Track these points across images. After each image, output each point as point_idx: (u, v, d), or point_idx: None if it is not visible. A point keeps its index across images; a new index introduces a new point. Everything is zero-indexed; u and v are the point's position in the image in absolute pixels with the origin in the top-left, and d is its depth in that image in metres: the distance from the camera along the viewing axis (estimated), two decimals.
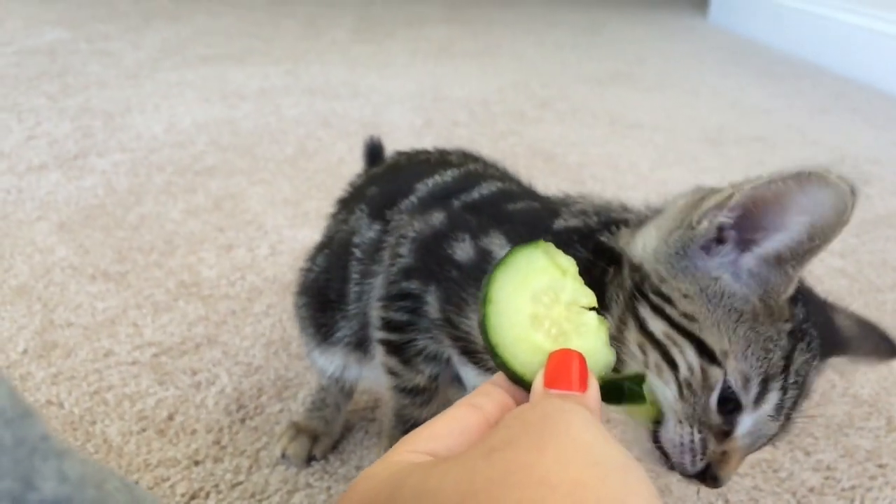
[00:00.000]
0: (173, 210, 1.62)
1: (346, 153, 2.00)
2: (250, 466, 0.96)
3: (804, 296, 0.64)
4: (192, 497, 0.91)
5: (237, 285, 1.35)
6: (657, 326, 0.61)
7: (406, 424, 0.81)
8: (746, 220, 0.60)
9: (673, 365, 0.60)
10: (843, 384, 1.20)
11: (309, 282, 0.94)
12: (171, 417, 1.03)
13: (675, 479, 0.98)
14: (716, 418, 0.60)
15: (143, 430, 1.01)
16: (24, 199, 1.62)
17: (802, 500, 0.97)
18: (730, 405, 0.60)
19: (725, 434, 0.61)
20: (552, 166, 2.02)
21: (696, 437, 0.60)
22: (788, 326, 0.61)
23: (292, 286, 1.01)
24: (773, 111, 2.73)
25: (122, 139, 2.00)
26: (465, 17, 4.24)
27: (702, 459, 0.61)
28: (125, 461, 0.95)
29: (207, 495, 0.91)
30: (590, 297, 0.52)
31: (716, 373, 0.59)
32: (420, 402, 0.80)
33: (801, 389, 0.62)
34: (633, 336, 0.63)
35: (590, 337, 0.50)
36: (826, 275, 1.54)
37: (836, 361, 0.68)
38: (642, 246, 0.65)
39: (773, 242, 0.59)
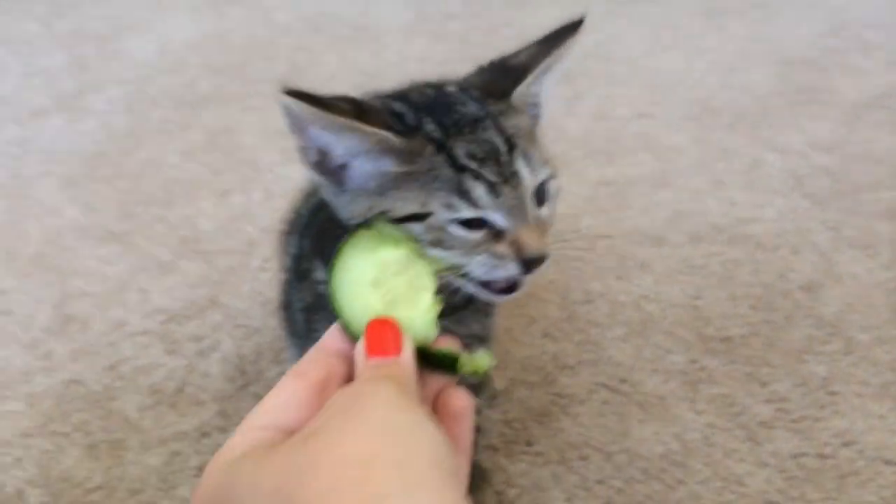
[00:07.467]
0: (170, 152, 1.68)
1: (337, 67, 2.01)
2: None
3: (437, 106, 0.68)
4: (203, 470, 1.03)
5: (234, 237, 1.42)
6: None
7: None
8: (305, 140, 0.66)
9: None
10: (808, 303, 1.27)
11: None
12: (180, 389, 1.14)
13: (636, 421, 1.09)
14: (476, 238, 0.64)
15: (157, 403, 1.12)
16: (29, 150, 1.69)
17: (752, 435, 1.06)
18: (475, 222, 0.64)
19: (499, 234, 0.64)
20: None
21: (485, 256, 0.64)
22: (424, 146, 0.64)
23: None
24: None
25: (116, 69, 2.03)
26: None
27: (513, 260, 0.64)
28: (143, 437, 1.07)
29: None
30: (430, 282, 0.57)
31: (434, 220, 0.63)
32: None
33: (494, 149, 0.64)
34: None
35: (418, 311, 0.55)
36: (809, 175, 1.57)
37: (532, 82, 0.71)
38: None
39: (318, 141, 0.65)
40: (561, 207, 1.46)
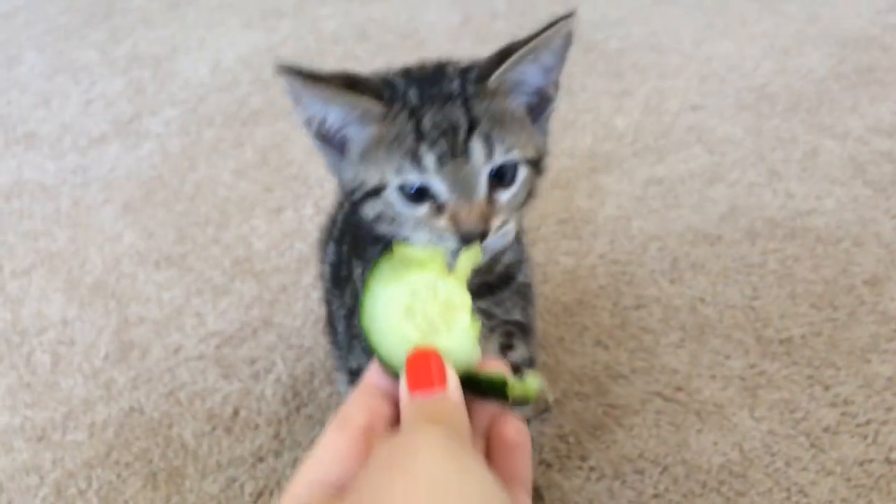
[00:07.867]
0: (224, 171, 1.70)
1: None
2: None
3: (423, 78, 0.71)
4: (259, 495, 1.05)
5: (286, 255, 1.44)
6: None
7: None
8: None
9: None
10: (872, 298, 1.22)
11: None
12: (236, 413, 1.16)
13: (693, 431, 1.06)
14: (420, 213, 0.68)
15: (214, 428, 1.14)
16: (89, 179, 1.74)
17: (816, 441, 1.03)
18: (423, 193, 0.68)
19: (441, 208, 0.68)
20: (591, 58, 1.97)
21: (426, 231, 0.68)
22: (400, 112, 0.68)
23: None
24: None
25: (171, 90, 2.07)
26: None
27: (452, 235, 0.67)
28: (200, 464, 1.09)
29: (272, 493, 1.05)
30: (465, 299, 0.54)
31: (387, 195, 0.68)
32: None
33: (454, 125, 0.67)
34: None
35: (457, 334, 0.53)
36: (871, 161, 1.51)
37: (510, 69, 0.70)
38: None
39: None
40: (610, 209, 1.45)
